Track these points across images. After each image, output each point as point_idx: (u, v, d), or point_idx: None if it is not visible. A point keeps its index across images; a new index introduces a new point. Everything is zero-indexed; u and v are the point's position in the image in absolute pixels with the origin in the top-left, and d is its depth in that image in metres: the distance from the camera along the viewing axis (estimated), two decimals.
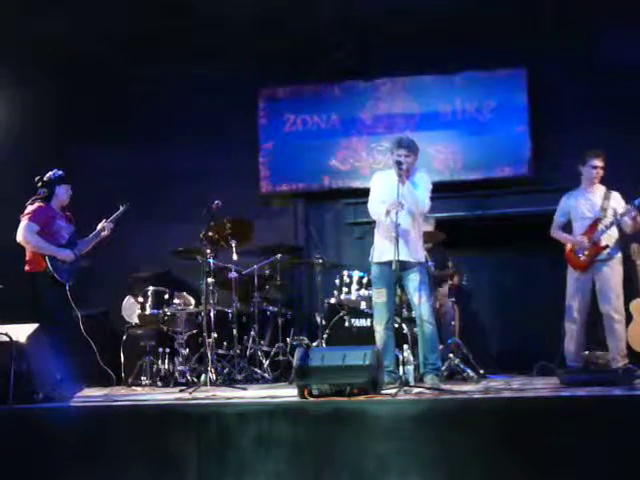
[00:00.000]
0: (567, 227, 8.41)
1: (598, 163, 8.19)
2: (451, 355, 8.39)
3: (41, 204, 7.82)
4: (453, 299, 9.04)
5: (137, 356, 9.16)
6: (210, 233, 8.60)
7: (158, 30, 9.72)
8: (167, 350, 9.11)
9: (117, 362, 9.10)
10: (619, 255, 8.10)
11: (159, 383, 8.91)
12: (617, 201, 8.17)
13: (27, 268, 7.76)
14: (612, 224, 8.02)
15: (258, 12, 9.27)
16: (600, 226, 8.06)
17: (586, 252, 8.04)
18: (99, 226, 8.15)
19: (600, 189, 8.26)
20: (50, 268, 7.61)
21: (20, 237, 7.68)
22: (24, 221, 7.71)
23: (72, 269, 7.80)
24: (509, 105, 10.02)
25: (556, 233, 8.39)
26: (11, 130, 9.86)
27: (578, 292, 8.13)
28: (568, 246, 8.25)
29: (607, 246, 8.02)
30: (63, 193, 7.94)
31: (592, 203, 8.20)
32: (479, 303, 10.14)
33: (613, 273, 8.04)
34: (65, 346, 7.47)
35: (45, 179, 7.90)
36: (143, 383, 8.94)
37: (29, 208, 7.78)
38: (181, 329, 9.17)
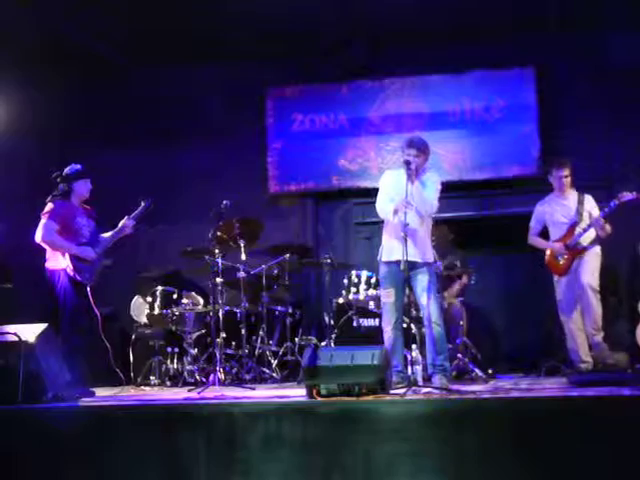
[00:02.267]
0: (545, 233, 8.49)
1: (564, 172, 8.29)
2: (459, 355, 8.38)
3: (60, 201, 7.62)
4: (461, 299, 9.03)
5: (146, 356, 9.19)
6: (219, 233, 8.61)
7: (166, 30, 9.72)
8: (176, 350, 9.14)
9: (126, 362, 9.12)
10: (597, 249, 8.18)
11: (168, 383, 8.94)
12: (591, 204, 8.28)
13: (47, 265, 7.58)
14: (588, 228, 8.10)
15: (266, 11, 9.26)
16: (577, 230, 8.16)
17: (565, 256, 8.12)
18: (120, 223, 7.91)
19: (573, 193, 8.35)
20: (71, 267, 7.44)
21: (39, 237, 7.46)
22: (43, 220, 7.48)
23: (93, 268, 7.64)
24: (518, 104, 10.01)
25: (533, 240, 8.50)
26: (19, 129, 9.87)
27: (564, 294, 8.24)
28: (547, 252, 8.32)
29: (585, 249, 8.14)
30: (82, 188, 7.74)
31: (567, 208, 8.31)
32: (487, 303, 10.12)
33: (590, 260, 8.15)
34: (81, 347, 7.47)
35: (63, 174, 7.71)
36: (152, 383, 8.97)
37: (48, 206, 7.56)
38: (190, 329, 9.20)
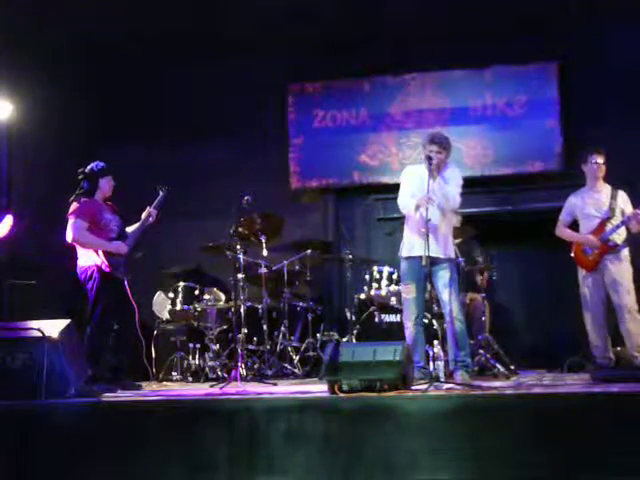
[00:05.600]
0: (573, 226, 8.33)
1: (600, 160, 8.10)
2: (481, 351, 8.35)
3: (85, 199, 7.65)
4: (483, 294, 9.00)
5: (168, 352, 9.24)
6: (240, 229, 8.62)
7: (189, 26, 9.74)
8: (197, 346, 9.17)
9: (148, 358, 9.15)
10: (626, 251, 8.03)
11: (190, 378, 8.98)
12: (624, 200, 8.10)
13: (79, 263, 7.61)
14: (621, 224, 7.96)
15: (288, 7, 9.26)
16: (608, 226, 7.99)
17: (595, 251, 8.00)
18: (144, 214, 7.96)
19: (606, 187, 8.18)
20: (107, 264, 7.46)
21: (70, 237, 7.48)
22: (71, 220, 7.50)
23: (127, 262, 7.66)
24: (540, 100, 9.96)
25: (562, 231, 8.30)
26: (43, 128, 9.91)
27: (590, 290, 8.07)
28: (575, 245, 8.20)
29: (617, 245, 7.96)
30: (106, 185, 7.78)
31: (599, 202, 8.12)
32: (509, 298, 10.10)
33: (621, 268, 7.97)
34: (106, 344, 7.50)
35: (87, 171, 7.72)
36: (174, 378, 9.01)
37: (73, 205, 7.59)
38: (211, 325, 9.22)
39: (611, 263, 7.97)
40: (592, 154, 8.12)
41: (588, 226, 8.14)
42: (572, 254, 8.20)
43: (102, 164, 7.80)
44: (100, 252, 7.49)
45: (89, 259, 7.56)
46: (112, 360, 7.57)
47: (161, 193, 8.07)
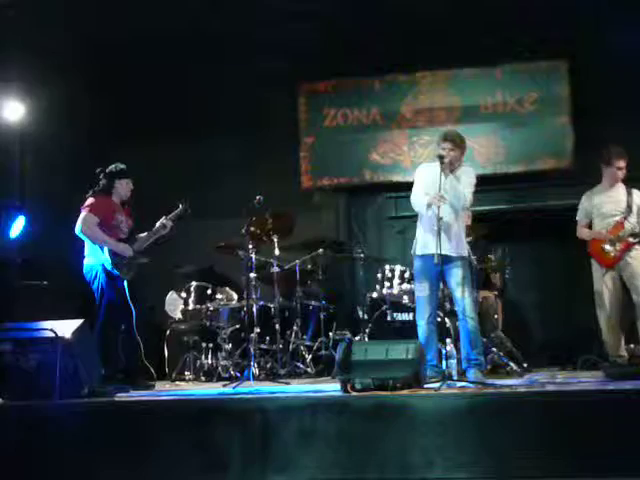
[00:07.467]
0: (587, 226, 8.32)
1: (623, 164, 8.08)
2: (494, 349, 8.35)
3: (101, 196, 7.74)
4: (496, 292, 8.99)
5: (180, 351, 9.24)
6: (252, 228, 8.63)
7: (200, 25, 9.74)
8: (210, 345, 9.17)
9: (161, 357, 9.17)
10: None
11: (202, 378, 8.99)
12: (638, 197, 8.09)
13: (86, 261, 7.68)
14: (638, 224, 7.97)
15: (300, 5, 9.26)
16: (628, 223, 7.98)
17: (618, 248, 7.96)
18: (158, 223, 8.03)
19: (621, 186, 8.16)
20: (109, 262, 7.52)
21: (79, 229, 7.56)
22: (83, 212, 7.60)
23: (131, 265, 7.71)
24: (551, 97, 9.95)
25: (583, 232, 8.25)
26: (54, 129, 9.92)
27: (606, 287, 8.02)
28: (593, 243, 8.14)
29: (638, 242, 7.94)
30: (124, 187, 7.88)
31: (616, 201, 8.09)
32: (522, 296, 10.09)
33: (638, 264, 7.96)
34: (115, 342, 7.53)
35: (107, 171, 7.84)
36: (187, 378, 9.01)
37: (89, 200, 7.67)
38: (224, 324, 9.23)
39: (630, 259, 7.95)
40: (617, 158, 8.07)
41: (604, 224, 8.10)
42: (589, 251, 8.15)
43: (122, 166, 7.92)
44: (105, 250, 7.55)
45: (94, 258, 7.64)
46: (123, 360, 7.62)
47: (180, 207, 8.11)
